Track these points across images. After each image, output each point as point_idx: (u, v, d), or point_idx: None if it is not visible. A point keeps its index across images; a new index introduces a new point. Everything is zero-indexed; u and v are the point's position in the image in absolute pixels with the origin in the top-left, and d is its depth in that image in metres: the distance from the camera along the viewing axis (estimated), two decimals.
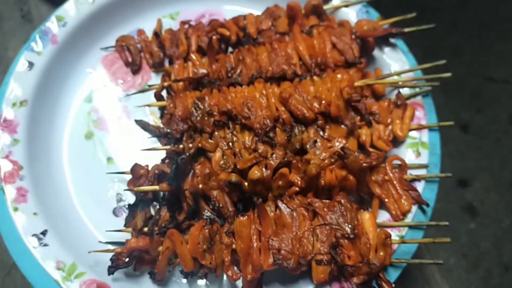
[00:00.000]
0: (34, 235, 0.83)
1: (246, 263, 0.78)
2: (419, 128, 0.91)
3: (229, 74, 0.96)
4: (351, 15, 1.04)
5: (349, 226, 0.79)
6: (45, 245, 0.82)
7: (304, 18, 1.03)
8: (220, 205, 0.83)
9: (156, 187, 0.85)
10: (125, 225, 0.87)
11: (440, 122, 0.92)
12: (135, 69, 1.05)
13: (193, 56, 0.98)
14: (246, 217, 0.79)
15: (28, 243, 0.82)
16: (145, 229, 0.85)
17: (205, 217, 0.83)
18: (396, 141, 0.92)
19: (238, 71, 0.96)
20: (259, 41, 1.01)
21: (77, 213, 0.91)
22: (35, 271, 0.80)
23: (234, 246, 0.79)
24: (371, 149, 0.90)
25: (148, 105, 0.97)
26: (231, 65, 0.97)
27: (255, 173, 0.82)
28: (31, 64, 0.97)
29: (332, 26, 1.00)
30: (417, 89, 0.95)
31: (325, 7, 1.04)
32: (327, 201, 0.82)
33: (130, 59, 1.06)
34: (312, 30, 0.99)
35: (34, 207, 0.85)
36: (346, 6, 1.05)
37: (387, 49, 1.00)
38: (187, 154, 0.86)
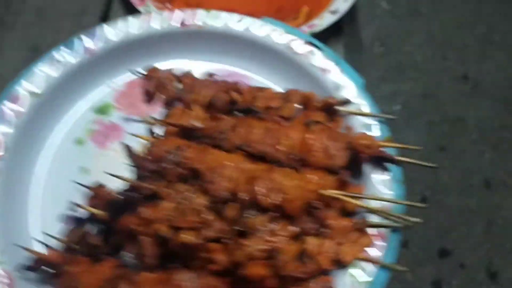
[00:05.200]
0: None
1: None
2: (368, 261, 0.86)
3: (218, 136, 0.98)
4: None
5: None
6: None
7: (314, 111, 1.03)
8: (143, 252, 0.84)
9: (95, 210, 0.89)
10: (62, 235, 0.92)
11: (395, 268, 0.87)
12: (149, 100, 1.11)
13: (196, 108, 1.02)
14: (155, 275, 0.80)
15: None
16: (75, 246, 0.89)
17: (123, 258, 0.85)
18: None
19: (225, 136, 0.98)
20: (261, 115, 1.02)
21: (25, 203, 0.98)
22: None
23: None
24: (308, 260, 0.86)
25: (139, 136, 1.02)
26: (224, 128, 0.99)
27: (186, 236, 0.83)
28: (58, 62, 1.06)
29: (335, 128, 0.99)
30: (390, 222, 0.91)
31: (340, 108, 1.03)
32: None
33: (151, 90, 1.12)
34: (313, 125, 0.99)
35: None
36: (363, 115, 1.03)
37: (377, 172, 0.97)
38: (140, 194, 0.89)
